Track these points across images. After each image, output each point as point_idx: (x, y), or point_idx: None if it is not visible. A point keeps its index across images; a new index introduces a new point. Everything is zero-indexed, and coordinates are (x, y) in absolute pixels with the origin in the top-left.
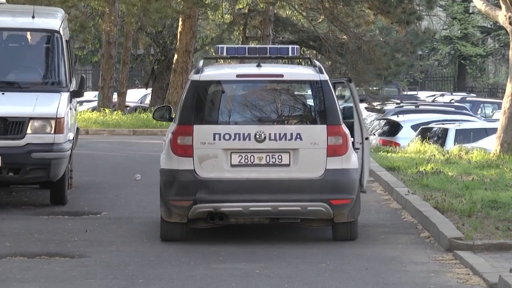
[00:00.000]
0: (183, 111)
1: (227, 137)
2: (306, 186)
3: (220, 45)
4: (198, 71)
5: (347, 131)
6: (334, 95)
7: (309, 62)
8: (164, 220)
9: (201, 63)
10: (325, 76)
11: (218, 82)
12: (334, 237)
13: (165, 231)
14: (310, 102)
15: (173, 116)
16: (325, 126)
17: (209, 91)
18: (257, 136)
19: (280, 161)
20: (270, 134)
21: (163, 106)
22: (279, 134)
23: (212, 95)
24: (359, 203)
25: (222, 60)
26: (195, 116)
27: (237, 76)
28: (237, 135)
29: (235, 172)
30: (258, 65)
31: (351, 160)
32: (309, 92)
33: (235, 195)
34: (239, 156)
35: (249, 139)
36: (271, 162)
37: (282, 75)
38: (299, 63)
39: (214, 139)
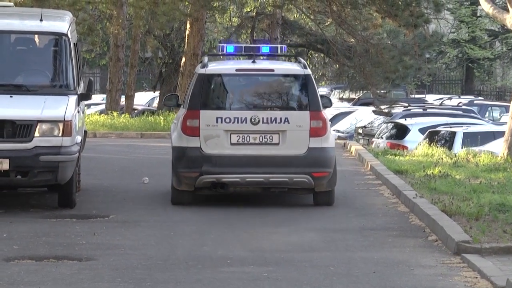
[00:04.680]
0: (191, 99)
1: (227, 120)
2: (292, 161)
3: (221, 44)
4: (204, 66)
5: (326, 117)
6: (316, 87)
7: (295, 59)
8: (175, 188)
9: (206, 59)
10: (308, 71)
11: (221, 75)
12: (315, 203)
13: (175, 197)
14: (296, 92)
15: (180, 103)
16: (308, 112)
17: (213, 82)
18: (252, 120)
19: (271, 140)
20: (263, 118)
21: (171, 94)
22: (271, 118)
23: (215, 86)
24: (335, 175)
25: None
26: (201, 103)
27: (236, 70)
28: (236, 119)
29: (234, 149)
30: (253, 61)
31: (329, 140)
32: (295, 83)
33: (234, 168)
34: (237, 136)
35: (246, 122)
36: (263, 141)
37: (273, 70)
38: (297, 60)
39: (217, 122)
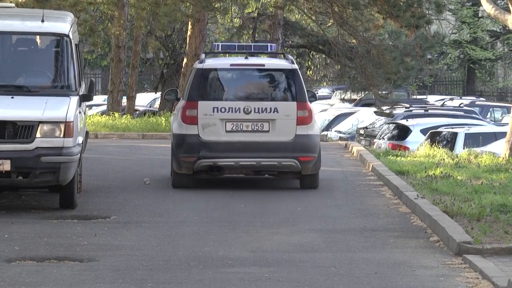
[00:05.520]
0: (190, 91)
1: (223, 110)
2: (281, 147)
3: (216, 43)
4: (201, 62)
5: (311, 107)
6: (302, 80)
7: (283, 56)
8: (175, 172)
9: (203, 55)
10: (295, 66)
11: (216, 70)
12: (301, 186)
13: (176, 180)
14: (284, 84)
15: (179, 97)
16: (295, 102)
17: (209, 76)
18: (245, 109)
19: (262, 128)
20: (254, 108)
21: (171, 89)
22: (261, 108)
23: (212, 79)
24: (319, 160)
25: (222, 54)
26: (199, 94)
27: (231, 65)
28: (231, 109)
29: (229, 136)
30: (246, 57)
31: (314, 128)
32: (284, 77)
33: (228, 153)
34: (231, 124)
35: (239, 112)
36: (255, 129)
37: (263, 65)
38: (285, 56)
39: (213, 111)
